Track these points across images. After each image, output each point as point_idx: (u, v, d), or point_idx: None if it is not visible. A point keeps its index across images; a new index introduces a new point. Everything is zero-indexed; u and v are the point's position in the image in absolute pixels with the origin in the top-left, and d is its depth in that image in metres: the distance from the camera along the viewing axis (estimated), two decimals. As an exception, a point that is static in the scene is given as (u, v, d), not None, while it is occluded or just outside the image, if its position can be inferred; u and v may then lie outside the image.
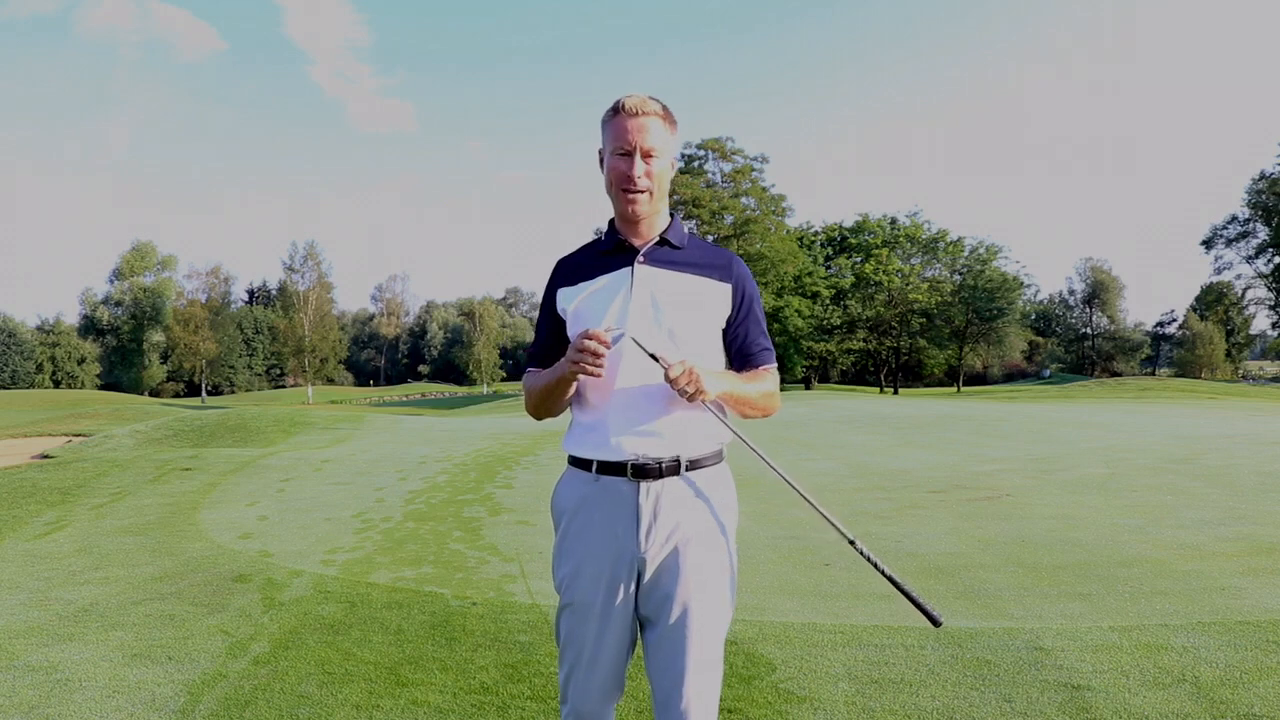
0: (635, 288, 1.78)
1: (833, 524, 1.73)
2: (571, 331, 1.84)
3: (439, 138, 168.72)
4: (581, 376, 1.71)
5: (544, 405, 1.86)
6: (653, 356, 1.66)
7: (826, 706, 2.81)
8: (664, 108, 1.78)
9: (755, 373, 1.86)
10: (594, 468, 1.77)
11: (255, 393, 76.13)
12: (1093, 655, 3.16)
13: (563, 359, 1.72)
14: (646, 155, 1.74)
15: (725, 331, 1.87)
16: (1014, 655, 3.19)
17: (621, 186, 1.76)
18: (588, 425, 1.80)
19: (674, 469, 1.74)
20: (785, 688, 2.97)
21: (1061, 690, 2.87)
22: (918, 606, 1.67)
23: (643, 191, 1.75)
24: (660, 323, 1.76)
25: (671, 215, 1.88)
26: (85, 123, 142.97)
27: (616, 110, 1.75)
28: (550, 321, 1.90)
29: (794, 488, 1.73)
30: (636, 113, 1.73)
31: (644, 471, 1.72)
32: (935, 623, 1.67)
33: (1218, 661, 3.05)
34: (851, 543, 1.71)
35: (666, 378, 1.62)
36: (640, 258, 1.81)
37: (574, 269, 1.88)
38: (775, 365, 1.91)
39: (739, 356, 1.88)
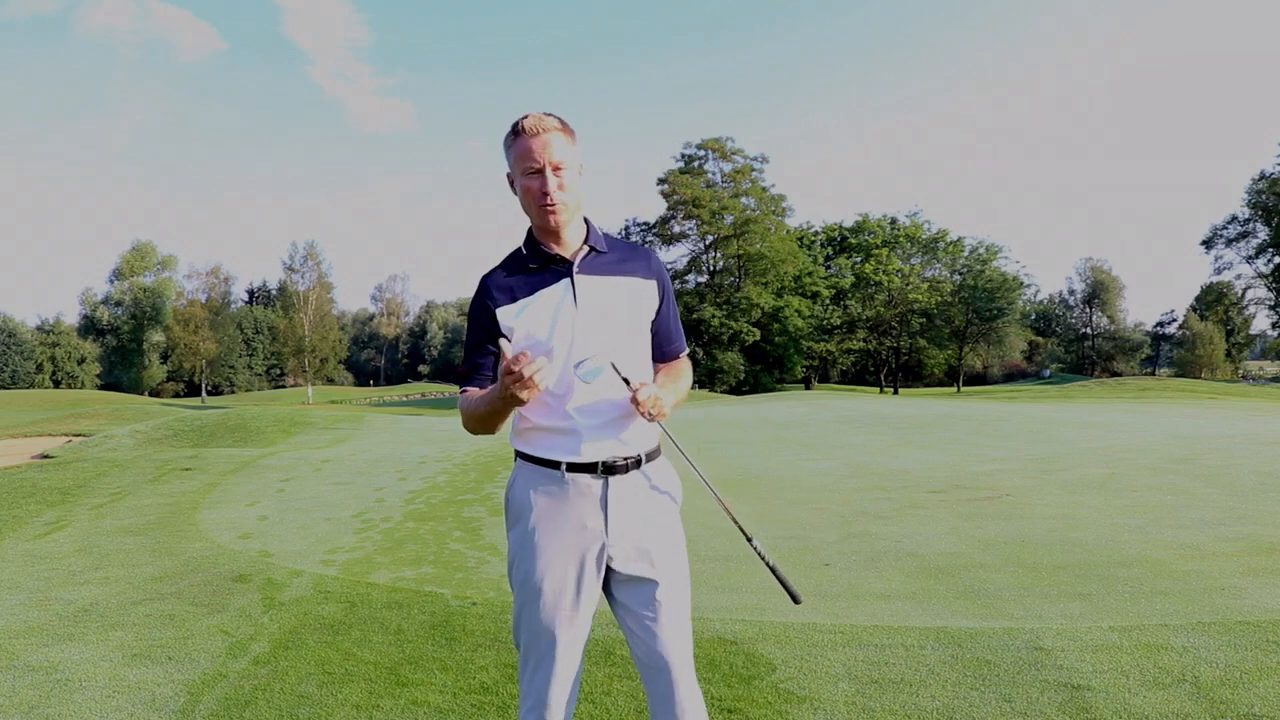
0: (580, 299, 1.83)
1: (735, 521, 1.94)
2: (522, 348, 1.82)
3: (439, 138, 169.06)
4: (535, 393, 1.71)
5: (486, 428, 1.88)
6: (625, 381, 1.78)
7: (826, 706, 2.81)
8: (561, 121, 1.83)
9: (676, 366, 2.07)
10: (563, 468, 1.84)
11: (255, 393, 76.11)
12: (1093, 655, 3.16)
13: (497, 389, 1.72)
14: (556, 169, 1.79)
15: (651, 323, 1.99)
16: (1014, 655, 3.19)
17: (539, 203, 1.80)
18: (556, 430, 1.84)
19: (636, 464, 1.88)
20: (785, 688, 2.97)
21: (1061, 690, 2.87)
22: (784, 586, 1.94)
23: (560, 204, 1.80)
24: (607, 329, 1.84)
25: (586, 221, 1.93)
26: (85, 123, 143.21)
27: (517, 133, 1.79)
28: (489, 342, 1.87)
29: (707, 484, 1.96)
30: (537, 131, 1.78)
31: (612, 469, 1.85)
32: (795, 599, 1.95)
33: (1218, 661, 3.05)
34: (749, 540, 1.94)
35: (633, 399, 1.75)
36: (576, 269, 1.86)
37: (509, 287, 1.87)
38: (687, 350, 2.13)
39: (658, 345, 2.03)
